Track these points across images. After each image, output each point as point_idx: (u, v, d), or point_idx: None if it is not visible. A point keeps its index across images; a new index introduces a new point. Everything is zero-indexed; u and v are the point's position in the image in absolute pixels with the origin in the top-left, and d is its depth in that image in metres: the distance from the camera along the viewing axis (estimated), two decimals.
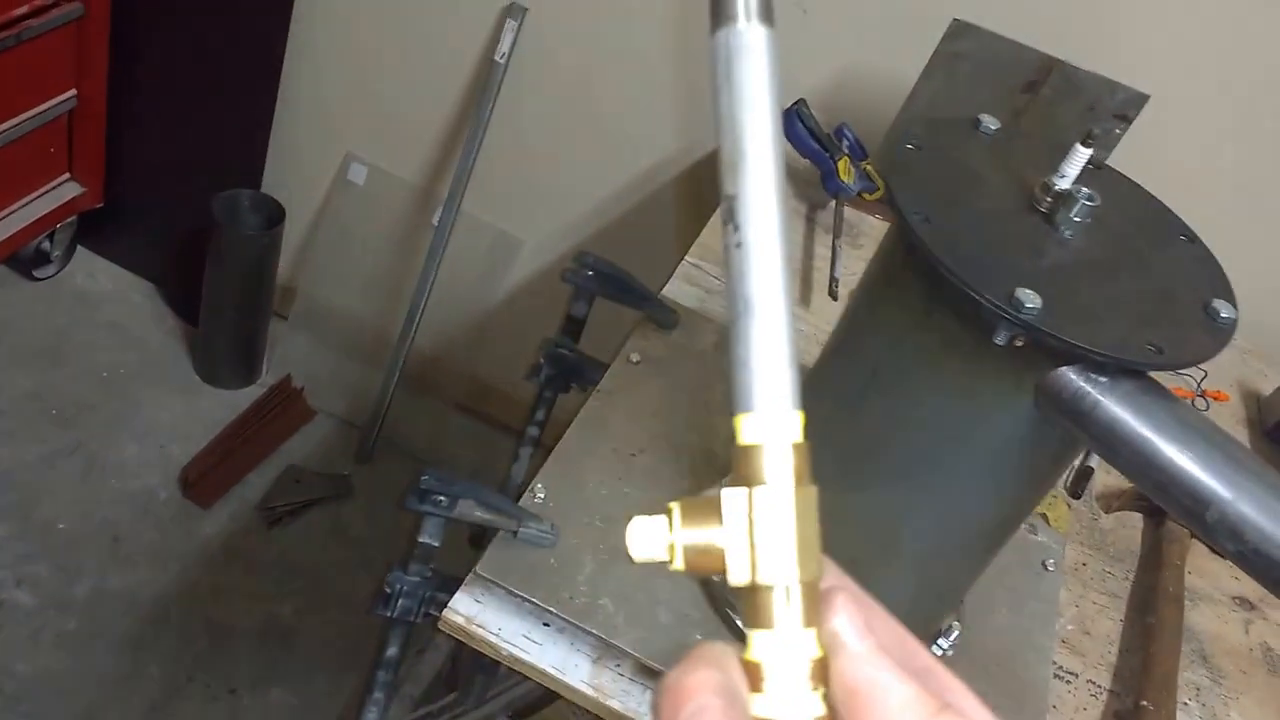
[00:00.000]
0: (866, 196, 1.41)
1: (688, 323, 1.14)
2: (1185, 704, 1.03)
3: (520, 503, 0.89)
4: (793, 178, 1.46)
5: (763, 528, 0.33)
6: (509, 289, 2.15)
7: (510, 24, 1.78)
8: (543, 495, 0.90)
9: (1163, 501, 0.64)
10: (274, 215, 2.04)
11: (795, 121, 1.37)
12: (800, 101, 1.41)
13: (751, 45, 0.35)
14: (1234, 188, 1.55)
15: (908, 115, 1.36)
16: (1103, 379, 0.64)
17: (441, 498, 0.81)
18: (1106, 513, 1.19)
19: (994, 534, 0.79)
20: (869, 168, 1.40)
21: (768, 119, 0.35)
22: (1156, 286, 0.68)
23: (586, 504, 0.91)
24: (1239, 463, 0.61)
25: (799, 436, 0.34)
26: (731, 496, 0.34)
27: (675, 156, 1.83)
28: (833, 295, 1.27)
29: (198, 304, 2.14)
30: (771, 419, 0.34)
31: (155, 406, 2.13)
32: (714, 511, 0.34)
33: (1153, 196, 0.76)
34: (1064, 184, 0.69)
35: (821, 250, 1.36)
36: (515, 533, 0.84)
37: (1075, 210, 0.68)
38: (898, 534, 0.78)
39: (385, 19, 1.91)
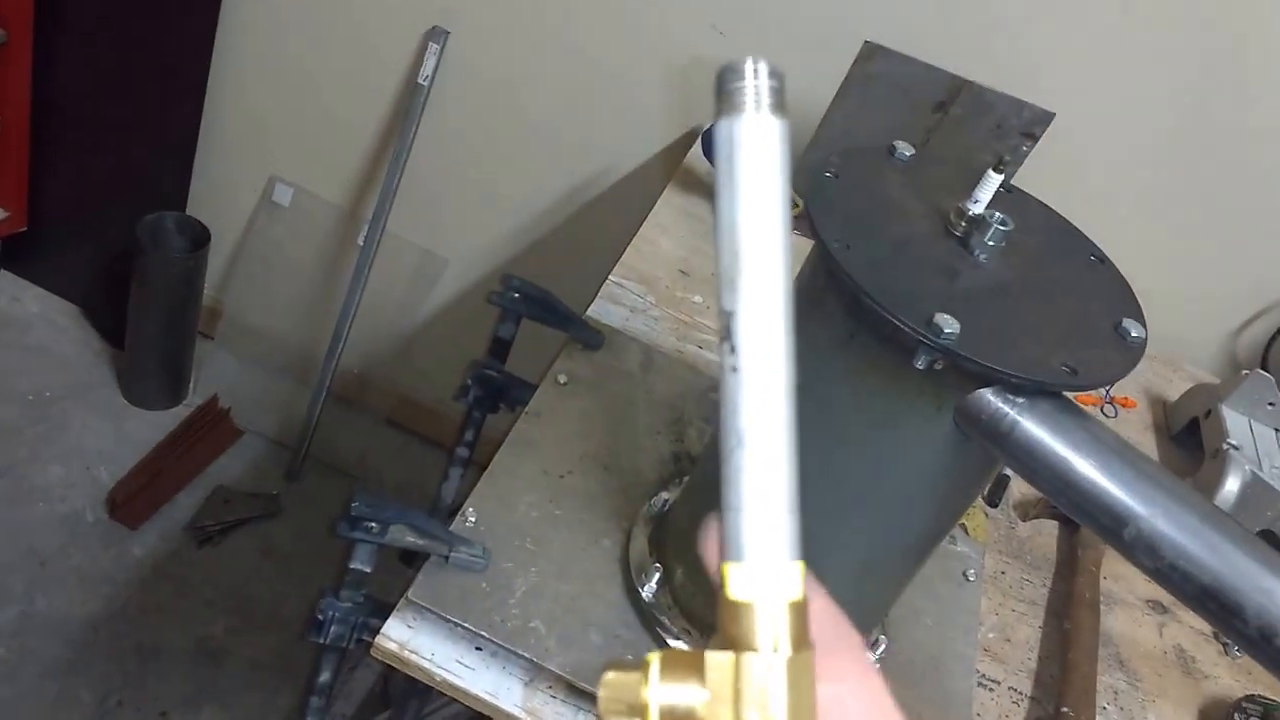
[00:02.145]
0: None
1: (613, 343, 1.12)
2: (1104, 708, 1.03)
3: (452, 526, 0.86)
4: (711, 196, 1.45)
5: (750, 702, 0.28)
6: (434, 307, 2.11)
7: (433, 47, 1.75)
8: (474, 519, 0.87)
9: (1082, 520, 0.64)
10: (199, 237, 1.98)
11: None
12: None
13: (760, 140, 0.30)
14: (1136, 201, 1.58)
15: (822, 136, 1.36)
16: (1020, 400, 0.63)
17: (373, 524, 0.78)
18: (1023, 520, 1.20)
19: (919, 548, 0.78)
20: None
21: (775, 226, 0.30)
22: (1069, 307, 0.68)
23: (517, 526, 0.89)
24: (1154, 480, 0.61)
25: (798, 593, 0.29)
26: (717, 661, 0.29)
27: (598, 175, 1.81)
28: None
29: (123, 327, 2.07)
30: (765, 573, 0.29)
31: (82, 429, 2.05)
32: (697, 670, 0.29)
33: (1062, 218, 0.76)
34: (977, 209, 0.68)
35: None
36: (447, 557, 0.81)
37: (989, 235, 0.67)
38: (825, 552, 0.76)
39: (309, 42, 1.86)
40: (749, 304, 0.30)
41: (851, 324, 0.67)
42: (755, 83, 0.31)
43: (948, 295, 0.64)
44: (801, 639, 0.29)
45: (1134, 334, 0.66)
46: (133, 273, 1.95)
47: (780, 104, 0.30)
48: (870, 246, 0.66)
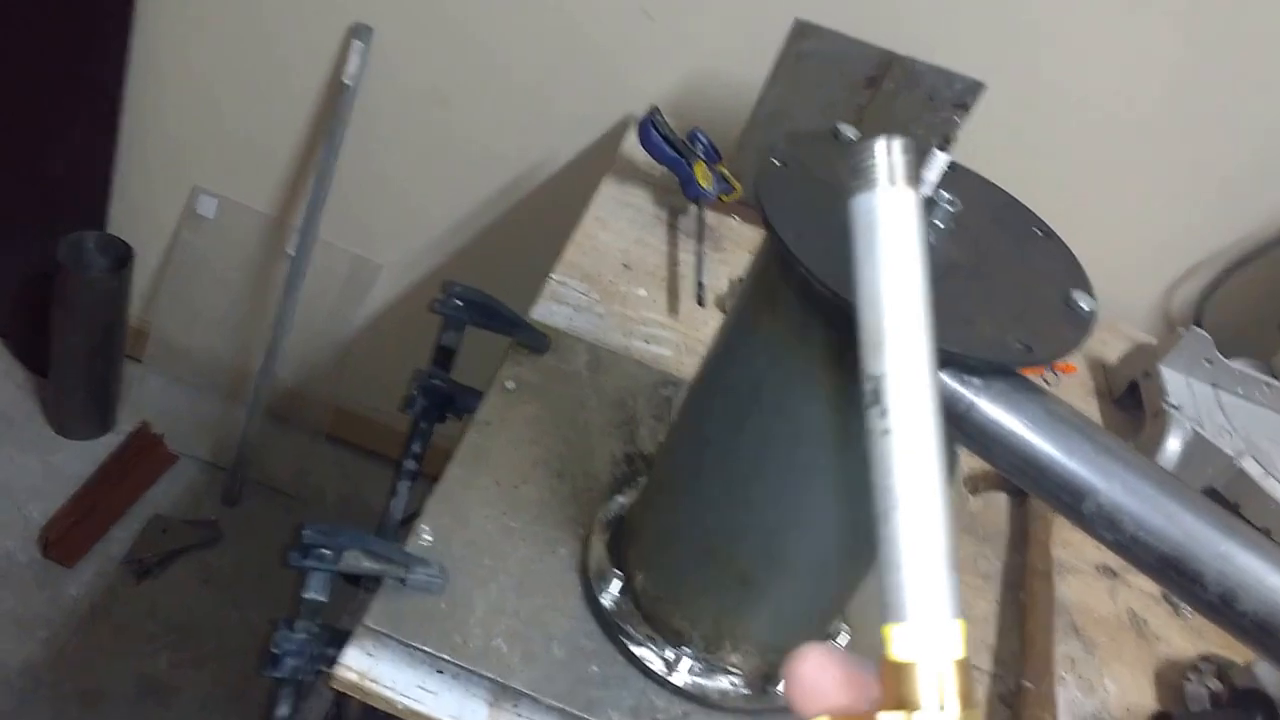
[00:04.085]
0: (725, 198, 1.41)
1: (559, 344, 1.12)
2: (1063, 677, 1.05)
3: (407, 546, 0.85)
4: (652, 185, 1.45)
5: None
6: (369, 315, 2.09)
7: (357, 44, 1.72)
8: (430, 537, 0.86)
9: (1042, 496, 0.65)
10: (122, 256, 1.93)
11: (650, 130, 1.36)
12: (654, 109, 1.40)
13: (897, 213, 0.32)
14: (1071, 169, 1.61)
15: (758, 116, 1.37)
16: (976, 380, 0.64)
17: (326, 551, 0.77)
18: (973, 495, 1.22)
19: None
20: (724, 170, 1.40)
21: (917, 293, 0.32)
22: (1019, 283, 0.69)
23: (473, 542, 0.88)
24: (1111, 452, 0.62)
25: (960, 651, 0.30)
26: None
27: (533, 170, 1.80)
28: (700, 301, 1.26)
29: (46, 354, 2.02)
30: (928, 632, 0.30)
31: (7, 466, 2.00)
32: None
33: (1004, 192, 0.77)
34: (925, 190, 0.69)
35: (686, 256, 1.35)
36: (404, 580, 0.81)
37: (937, 215, 0.68)
38: (786, 548, 0.77)
39: (226, 45, 1.82)
40: (897, 368, 0.31)
41: (805, 316, 0.67)
42: (889, 159, 0.33)
43: None
44: (968, 697, 0.30)
45: (1084, 305, 0.68)
46: (53, 297, 1.91)
47: (914, 176, 0.32)
48: (822, 234, 0.67)
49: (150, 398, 2.19)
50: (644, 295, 1.28)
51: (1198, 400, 1.34)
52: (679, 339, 1.23)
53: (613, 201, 1.41)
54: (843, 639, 0.91)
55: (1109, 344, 1.58)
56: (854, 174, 0.32)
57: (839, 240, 0.66)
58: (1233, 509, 1.28)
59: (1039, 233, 0.75)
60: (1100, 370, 1.52)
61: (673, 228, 1.40)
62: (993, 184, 0.78)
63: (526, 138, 1.77)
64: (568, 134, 1.74)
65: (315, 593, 0.78)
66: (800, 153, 0.74)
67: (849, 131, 0.76)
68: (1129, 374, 1.43)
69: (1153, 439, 1.30)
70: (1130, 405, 1.44)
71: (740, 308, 0.76)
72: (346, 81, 1.73)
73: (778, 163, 0.71)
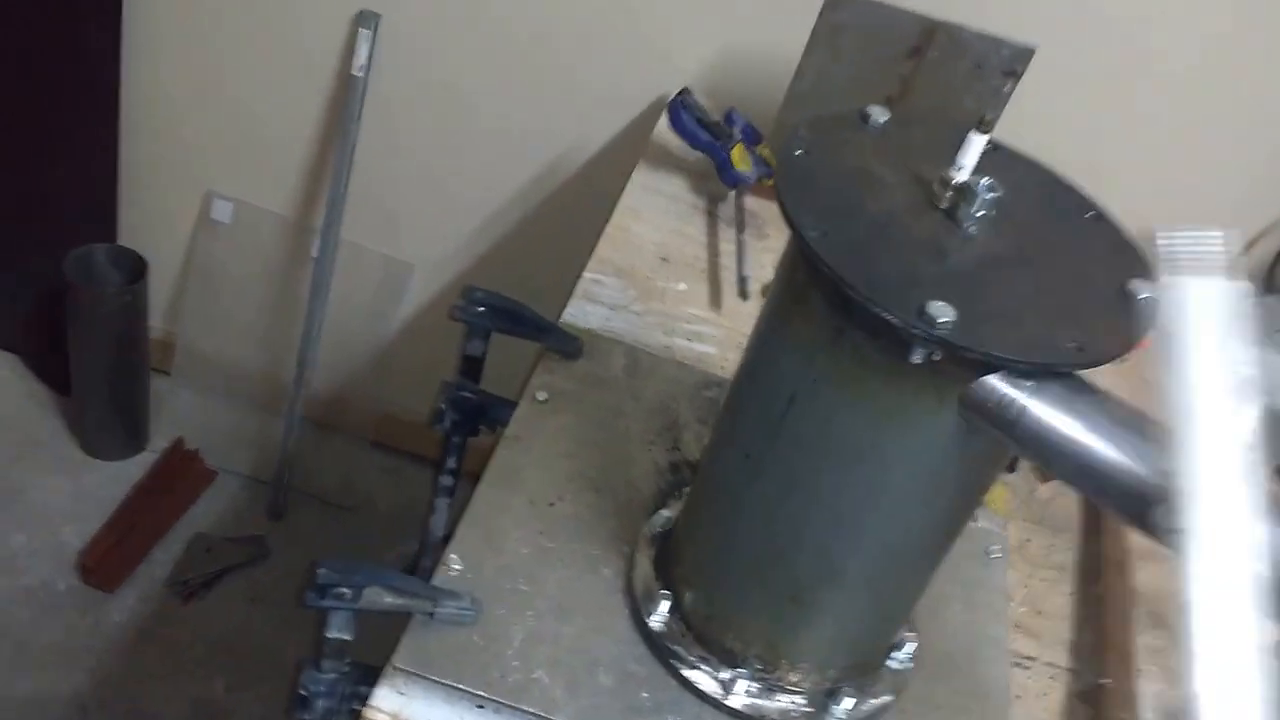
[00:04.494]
0: (766, 182, 1.39)
1: (593, 348, 1.11)
2: (1146, 670, 1.02)
3: (435, 577, 0.85)
4: (687, 171, 1.44)
5: None
6: (405, 317, 2.10)
7: (364, 33, 1.72)
8: (460, 566, 0.86)
9: (1103, 505, 0.63)
10: (135, 268, 1.95)
11: (681, 113, 1.34)
12: (684, 91, 1.38)
13: (1214, 303, 0.30)
14: (1130, 130, 1.56)
15: (795, 93, 1.34)
16: (1027, 383, 0.62)
17: (344, 590, 0.77)
18: (1042, 483, 1.19)
19: (937, 546, 0.77)
20: (764, 152, 1.38)
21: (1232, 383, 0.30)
22: (1070, 275, 0.67)
23: (507, 568, 0.88)
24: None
25: None
26: None
27: (561, 159, 1.79)
28: (743, 295, 1.25)
29: (68, 371, 2.05)
30: None
31: (39, 490, 2.04)
32: None
33: (1052, 173, 0.75)
34: (962, 176, 0.67)
35: (727, 246, 1.33)
36: (432, 614, 0.81)
37: (977, 205, 0.66)
38: (837, 560, 0.76)
39: (227, 41, 1.83)
40: (1206, 471, 0.30)
41: (838, 319, 0.66)
42: (1202, 249, 0.35)
43: (939, 278, 0.63)
44: None
45: (1143, 294, 0.65)
46: (66, 313, 1.93)
47: (1230, 268, 0.32)
48: (849, 230, 0.65)
49: (182, 412, 2.22)
50: (684, 289, 1.26)
51: (1270, 372, 1.31)
52: (723, 335, 1.21)
53: (646, 190, 1.40)
54: (909, 647, 0.89)
55: None
56: (1165, 264, 0.31)
57: (870, 237, 0.65)
58: None
59: (1090, 215, 0.73)
60: None
61: (712, 216, 1.39)
62: (1038, 163, 0.76)
63: (551, 124, 1.76)
64: (596, 118, 1.72)
65: (339, 631, 0.79)
66: (825, 139, 0.72)
67: (878, 114, 0.74)
68: None
69: None
70: None
71: (770, 312, 0.75)
72: (356, 73, 1.73)
73: (800, 151, 0.70)
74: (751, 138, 1.40)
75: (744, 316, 1.24)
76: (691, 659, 0.85)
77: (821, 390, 0.69)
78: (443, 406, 1.13)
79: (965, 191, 0.66)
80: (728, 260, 1.31)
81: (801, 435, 0.71)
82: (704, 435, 1.06)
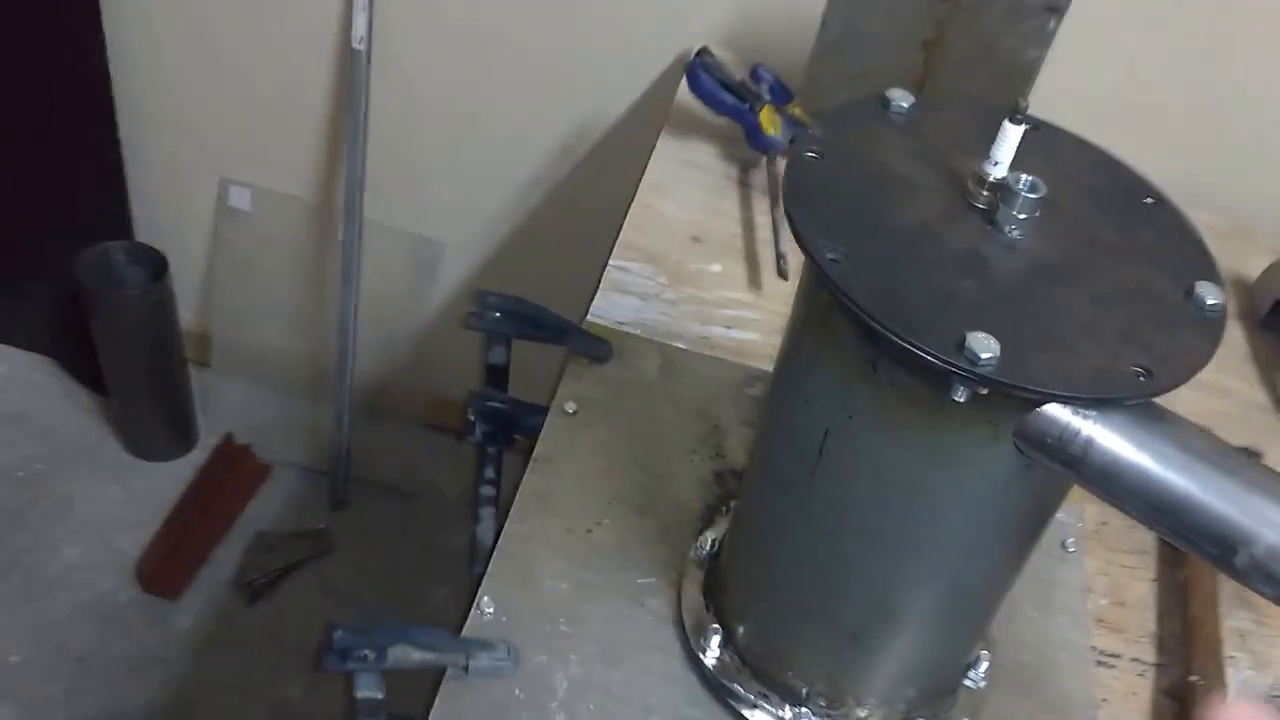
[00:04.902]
0: None
1: (623, 348, 1.06)
2: (1233, 656, 0.97)
3: (467, 625, 0.82)
4: (716, 138, 1.37)
5: None
6: (444, 295, 2.07)
7: (360, 2, 1.66)
8: (492, 610, 0.83)
9: (1184, 546, 0.57)
10: (156, 265, 1.93)
11: (700, 75, 1.27)
12: (703, 50, 1.31)
13: None
14: (1183, 55, 1.46)
15: (823, 43, 1.27)
16: (1091, 413, 0.56)
17: (366, 651, 0.74)
18: None
19: (1004, 577, 0.72)
20: (797, 111, 1.31)
21: None
22: (1129, 280, 0.60)
23: (545, 608, 0.84)
24: (1267, 491, 0.54)
25: None
26: None
27: (592, 117, 1.72)
28: (782, 274, 1.19)
29: (101, 372, 2.04)
30: None
31: (88, 498, 2.04)
32: None
33: (1101, 152, 0.68)
34: (999, 171, 0.60)
35: (761, 219, 1.27)
36: (466, 668, 0.77)
37: (1018, 206, 0.59)
38: (895, 599, 0.71)
39: (218, 21, 1.78)
40: None
41: (870, 352, 0.60)
42: None
43: (979, 299, 0.57)
44: None
45: (1210, 300, 0.58)
46: (90, 316, 1.92)
47: None
48: (874, 249, 0.59)
49: (229, 407, 2.21)
50: (719, 272, 1.20)
51: None
52: (764, 319, 1.16)
53: (672, 162, 1.33)
54: (984, 666, 0.84)
55: (1250, 257, 1.44)
56: None
57: (898, 255, 0.59)
58: None
59: (1148, 200, 0.65)
60: (1241, 288, 1.39)
61: (745, 186, 1.32)
62: (1084, 142, 0.68)
63: (578, 79, 1.68)
64: (616, 82, 1.65)
65: (368, 691, 0.76)
66: (841, 135, 0.65)
67: (901, 99, 0.67)
68: (1273, 291, 1.33)
69: None
70: (1275, 327, 1.34)
71: (793, 337, 0.69)
72: (357, 46, 1.67)
73: (812, 153, 0.63)
74: (781, 96, 1.32)
75: (784, 297, 1.18)
76: (750, 697, 0.81)
77: (859, 426, 0.63)
78: (472, 419, 1.09)
79: (1004, 190, 0.60)
80: (765, 235, 1.24)
81: (841, 472, 0.66)
82: (749, 439, 1.01)
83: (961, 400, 0.55)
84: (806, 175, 0.62)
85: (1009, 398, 0.56)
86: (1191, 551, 0.57)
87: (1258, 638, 1.00)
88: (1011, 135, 0.60)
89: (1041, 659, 0.90)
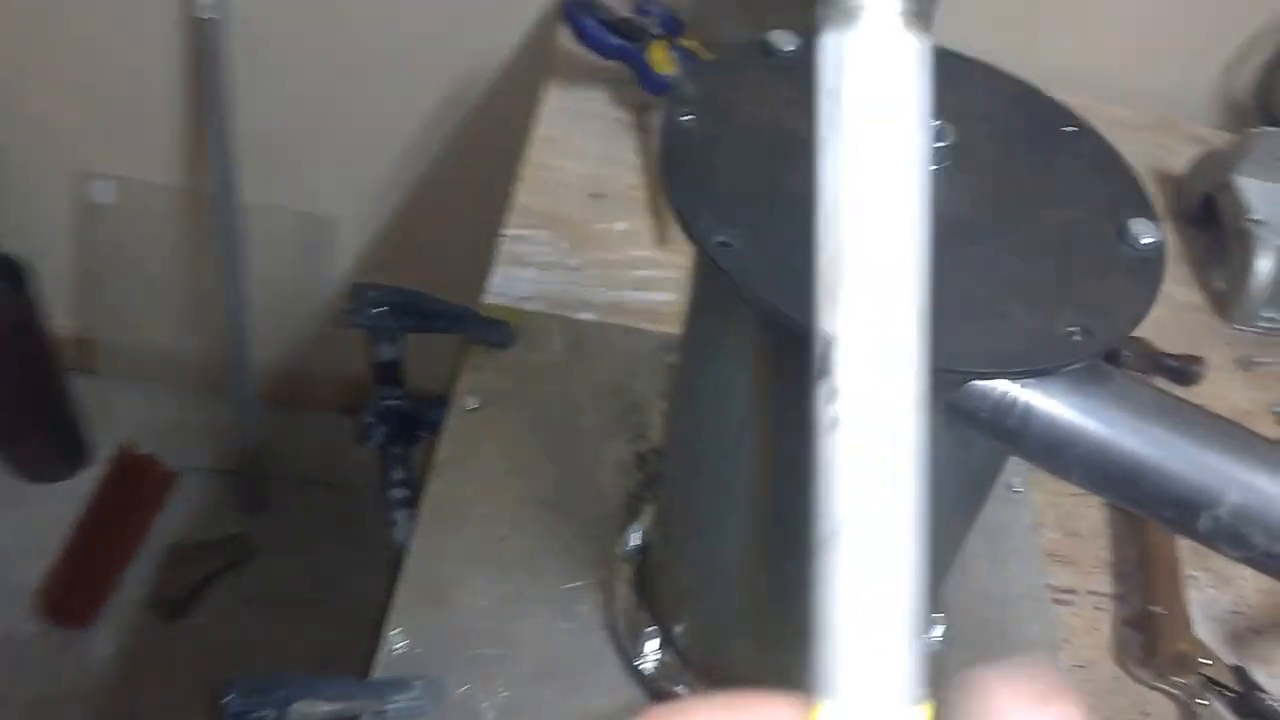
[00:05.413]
0: None
1: (527, 328, 1.00)
2: (1194, 577, 0.96)
3: (377, 664, 0.76)
4: (602, 81, 1.30)
5: None
6: (341, 272, 1.99)
7: None
8: (404, 642, 0.78)
9: (1141, 513, 0.53)
10: (14, 272, 1.82)
11: (580, 18, 1.20)
12: None
13: (887, 69, 0.23)
14: None
15: None
16: (1028, 380, 0.52)
17: (265, 713, 0.69)
18: None
19: (949, 546, 0.68)
20: (689, 43, 1.25)
21: (906, 199, 0.24)
22: (1054, 226, 0.55)
23: (462, 632, 0.79)
24: (1227, 446, 0.50)
25: None
26: None
27: (471, 70, 1.64)
28: None
29: None
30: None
31: None
32: None
33: (1016, 80, 0.63)
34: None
35: None
36: (382, 714, 0.72)
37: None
38: None
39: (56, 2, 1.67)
40: (860, 323, 0.24)
41: (775, 339, 0.55)
42: None
43: None
44: None
45: (1145, 239, 0.54)
46: None
47: (923, 13, 0.24)
48: (769, 227, 0.53)
49: (123, 414, 2.11)
50: (624, 229, 1.15)
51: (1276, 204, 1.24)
52: (677, 277, 1.10)
53: (562, 114, 1.27)
54: (939, 630, 0.82)
55: (1172, 149, 1.42)
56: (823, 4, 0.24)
57: (797, 234, 0.53)
58: None
59: (1069, 129, 0.61)
60: (1168, 184, 1.37)
61: (643, 130, 1.26)
62: (994, 69, 0.63)
63: (460, 24, 1.59)
64: (490, 31, 1.57)
65: None
66: (719, 91, 0.59)
67: (784, 41, 0.62)
68: (1201, 188, 1.32)
69: (1239, 262, 1.23)
70: (1206, 222, 1.32)
71: (694, 323, 0.63)
72: (203, 15, 1.57)
73: (686, 116, 0.57)
74: (673, 28, 1.26)
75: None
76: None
77: (775, 417, 0.58)
78: (370, 421, 1.03)
79: None
80: None
81: (763, 461, 0.61)
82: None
83: None
84: (683, 144, 0.56)
85: (935, 378, 0.51)
86: (1149, 518, 0.53)
87: (1218, 557, 0.98)
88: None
89: (1000, 613, 0.88)
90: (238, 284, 1.86)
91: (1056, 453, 0.52)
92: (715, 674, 0.77)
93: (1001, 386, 0.52)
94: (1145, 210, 0.55)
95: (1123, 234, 0.54)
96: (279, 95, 1.72)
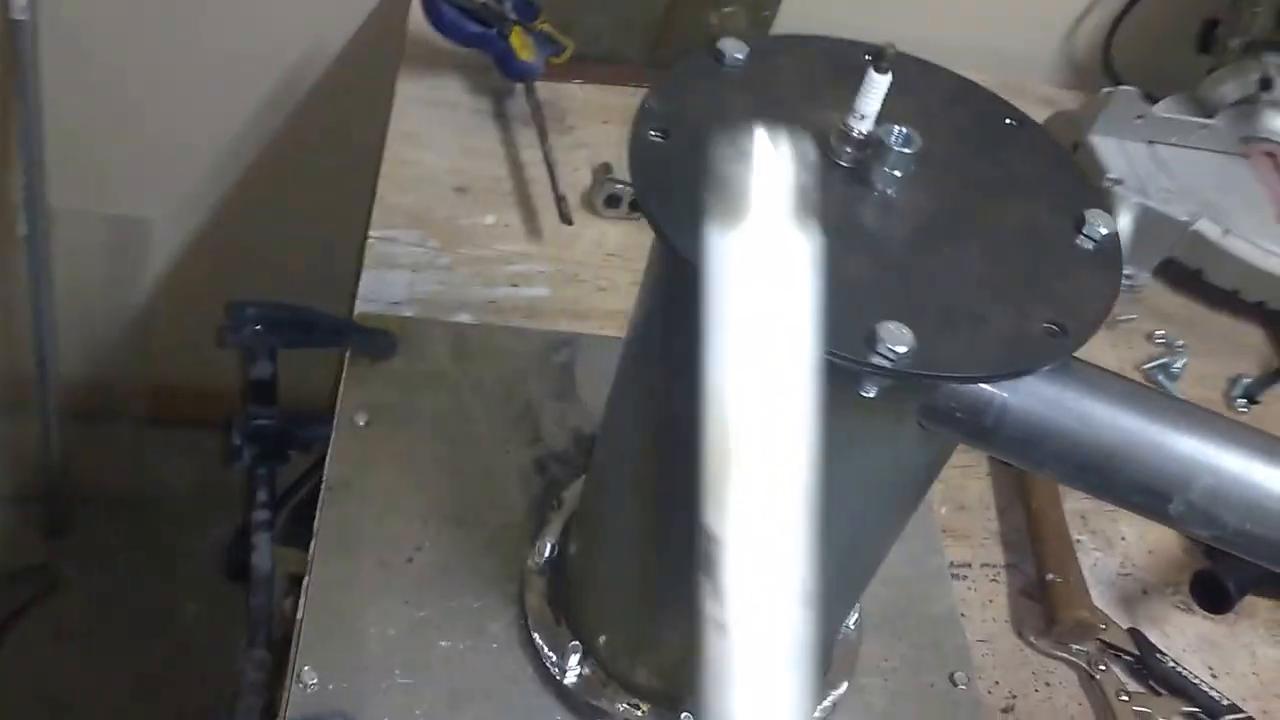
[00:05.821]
0: (555, 61, 1.23)
1: (408, 335, 0.96)
2: (1079, 540, 1.00)
3: (291, 703, 0.72)
4: (456, 69, 1.26)
5: None
6: (157, 275, 1.88)
7: None
8: (315, 679, 0.73)
9: (1109, 500, 0.55)
10: None
11: (439, 5, 1.16)
12: None
13: (775, 270, 0.25)
14: None
15: None
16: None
17: None
18: None
19: (893, 536, 0.69)
20: (545, 27, 1.22)
21: (794, 401, 0.25)
22: (1015, 222, 0.56)
23: (375, 661, 0.75)
24: (1196, 433, 0.52)
25: None
26: None
27: (308, 57, 1.57)
28: (565, 219, 1.11)
29: None
30: None
31: None
32: None
33: (956, 77, 0.64)
34: (867, 125, 0.55)
35: (529, 155, 1.18)
36: None
37: (892, 162, 0.54)
38: None
39: None
40: (745, 530, 0.23)
41: None
42: (772, 171, 0.25)
43: (875, 279, 0.51)
44: None
45: (1103, 231, 0.56)
46: None
47: (809, 208, 0.23)
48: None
49: None
50: (492, 223, 1.12)
51: (1135, 165, 1.30)
52: (552, 270, 1.08)
53: (419, 105, 1.22)
54: (854, 617, 0.83)
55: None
56: (714, 187, 0.24)
57: None
58: (1195, 275, 1.26)
59: (1009, 123, 0.62)
60: None
61: (503, 118, 1.22)
62: (930, 65, 0.64)
63: (289, 17, 1.52)
64: (326, 8, 1.51)
65: None
66: (680, 107, 0.58)
67: (733, 48, 0.60)
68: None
69: None
70: None
71: (650, 333, 0.62)
72: (18, 16, 1.45)
73: (656, 135, 0.56)
74: (527, 13, 1.23)
75: (569, 242, 1.11)
76: (621, 709, 0.76)
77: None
78: (238, 443, 0.98)
79: (876, 147, 0.54)
80: (536, 173, 1.16)
81: None
82: (565, 414, 0.94)
83: (871, 395, 0.50)
84: (654, 163, 0.54)
85: (917, 384, 0.51)
86: (1117, 504, 0.54)
87: (1097, 515, 1.04)
88: (878, 85, 0.54)
89: (907, 597, 0.89)
90: (45, 293, 1.74)
91: (1030, 448, 0.53)
92: (642, 683, 0.76)
93: (976, 388, 0.52)
94: (1098, 201, 0.57)
95: (1080, 226, 0.56)
96: (91, 97, 1.61)
